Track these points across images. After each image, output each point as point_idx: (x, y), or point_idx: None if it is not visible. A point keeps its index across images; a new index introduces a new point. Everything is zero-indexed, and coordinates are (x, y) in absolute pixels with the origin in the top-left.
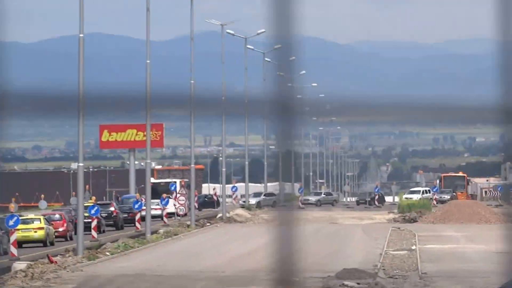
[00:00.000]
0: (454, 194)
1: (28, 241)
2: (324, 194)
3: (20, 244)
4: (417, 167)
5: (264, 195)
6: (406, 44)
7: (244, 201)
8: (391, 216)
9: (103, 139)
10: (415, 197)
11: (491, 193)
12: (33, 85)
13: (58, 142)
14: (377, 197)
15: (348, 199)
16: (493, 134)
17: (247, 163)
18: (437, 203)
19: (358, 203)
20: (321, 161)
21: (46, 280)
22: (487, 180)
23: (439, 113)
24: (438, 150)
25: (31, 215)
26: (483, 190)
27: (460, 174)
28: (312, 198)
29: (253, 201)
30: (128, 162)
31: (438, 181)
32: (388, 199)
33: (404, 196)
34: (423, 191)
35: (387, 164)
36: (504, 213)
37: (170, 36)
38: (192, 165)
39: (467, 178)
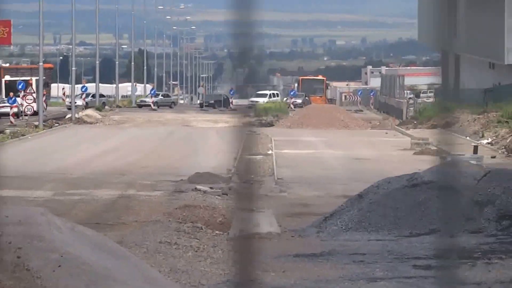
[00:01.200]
0: (306, 98)
1: None
2: (161, 96)
3: None
4: (274, 69)
5: (92, 96)
6: None
7: (88, 102)
8: (247, 119)
9: None
10: (262, 100)
11: (351, 98)
12: None
13: None
14: (231, 100)
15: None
16: (354, 37)
17: (98, 62)
18: (294, 107)
19: (201, 105)
20: (175, 62)
21: None
22: (347, 85)
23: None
24: (297, 52)
25: None
26: (343, 95)
27: (319, 77)
28: (148, 100)
29: (79, 102)
30: None
31: (296, 85)
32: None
33: (250, 99)
34: (270, 94)
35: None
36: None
37: None
38: (41, 64)
39: (326, 81)
